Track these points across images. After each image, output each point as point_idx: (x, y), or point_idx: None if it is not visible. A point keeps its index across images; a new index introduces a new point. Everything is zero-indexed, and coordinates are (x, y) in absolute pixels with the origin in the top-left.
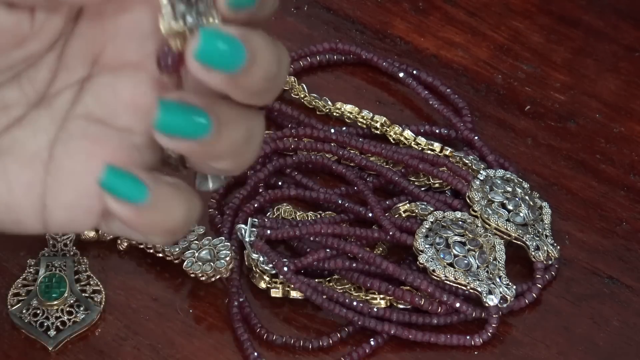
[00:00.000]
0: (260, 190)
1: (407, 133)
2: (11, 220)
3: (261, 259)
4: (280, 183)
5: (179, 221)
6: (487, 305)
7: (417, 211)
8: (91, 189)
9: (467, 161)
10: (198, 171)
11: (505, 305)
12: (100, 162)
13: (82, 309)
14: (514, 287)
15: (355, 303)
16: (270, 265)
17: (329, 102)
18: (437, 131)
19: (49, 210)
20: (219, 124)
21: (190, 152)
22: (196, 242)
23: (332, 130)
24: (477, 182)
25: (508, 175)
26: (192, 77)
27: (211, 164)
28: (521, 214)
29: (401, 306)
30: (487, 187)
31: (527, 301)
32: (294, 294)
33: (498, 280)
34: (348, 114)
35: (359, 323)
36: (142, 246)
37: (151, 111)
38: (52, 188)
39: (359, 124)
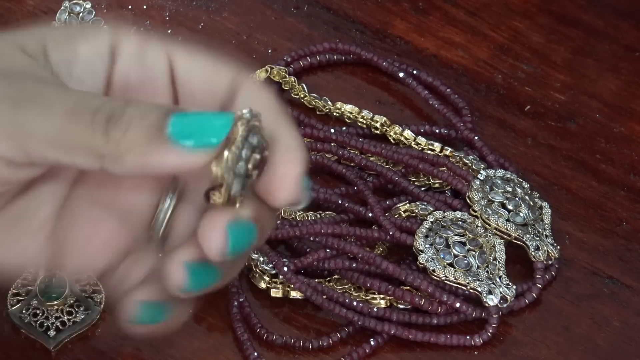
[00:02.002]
0: None
1: (407, 133)
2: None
3: (261, 259)
4: None
5: (171, 328)
6: (487, 305)
7: (417, 211)
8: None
9: (467, 161)
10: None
11: (505, 305)
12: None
13: (82, 308)
14: (514, 287)
15: (355, 303)
16: (270, 265)
17: (329, 102)
18: (437, 131)
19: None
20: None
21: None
22: None
23: (332, 130)
24: (477, 182)
25: (508, 175)
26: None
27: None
28: (521, 214)
29: (401, 306)
30: (487, 187)
31: (527, 301)
32: (294, 294)
33: (498, 280)
34: (348, 114)
35: (359, 323)
36: None
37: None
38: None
39: (359, 124)
